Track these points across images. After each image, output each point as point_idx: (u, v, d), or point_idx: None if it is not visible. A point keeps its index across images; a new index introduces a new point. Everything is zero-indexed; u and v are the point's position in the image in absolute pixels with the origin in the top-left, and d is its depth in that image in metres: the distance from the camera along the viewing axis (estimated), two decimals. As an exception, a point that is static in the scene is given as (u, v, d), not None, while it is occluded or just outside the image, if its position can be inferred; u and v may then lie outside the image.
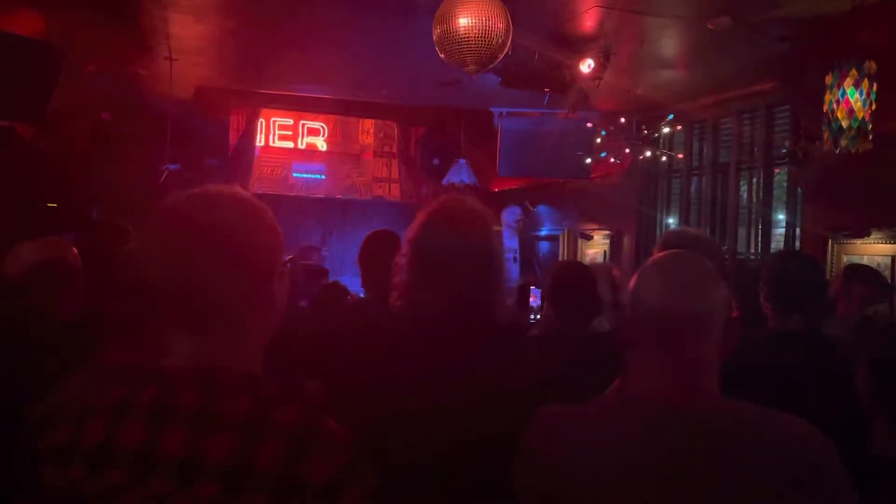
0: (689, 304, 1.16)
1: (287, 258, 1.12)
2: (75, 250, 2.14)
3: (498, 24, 3.13)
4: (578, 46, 4.42)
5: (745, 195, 5.65)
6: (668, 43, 4.57)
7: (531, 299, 5.20)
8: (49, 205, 5.65)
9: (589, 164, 6.16)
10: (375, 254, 2.39)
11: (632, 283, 1.23)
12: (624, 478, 1.08)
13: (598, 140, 6.06)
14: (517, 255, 7.39)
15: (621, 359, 1.26)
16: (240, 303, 1.00)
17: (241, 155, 7.78)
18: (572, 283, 2.59)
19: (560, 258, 7.59)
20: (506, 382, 1.31)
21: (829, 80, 3.62)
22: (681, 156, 6.14)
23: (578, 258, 7.38)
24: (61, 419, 1.01)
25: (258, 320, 1.03)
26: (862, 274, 3.43)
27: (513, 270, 6.78)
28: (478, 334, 1.38)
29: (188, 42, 4.91)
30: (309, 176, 8.83)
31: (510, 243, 7.58)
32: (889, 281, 4.01)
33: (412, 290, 1.43)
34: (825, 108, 3.65)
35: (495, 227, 1.51)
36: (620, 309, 3.48)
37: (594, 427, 1.16)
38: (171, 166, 6.25)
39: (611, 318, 2.89)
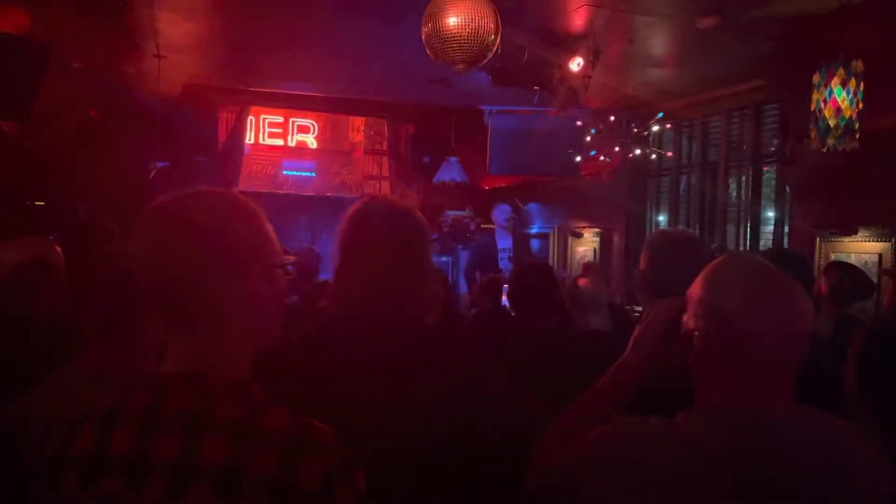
0: (788, 326, 1.13)
1: (289, 260, 1.11)
2: (59, 249, 2.12)
3: (487, 22, 3.12)
4: (568, 44, 4.42)
5: (733, 193, 5.68)
6: (657, 41, 4.59)
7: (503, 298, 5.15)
8: (36, 203, 5.61)
9: (579, 162, 6.17)
10: None
11: (710, 295, 1.18)
12: (698, 487, 1.07)
13: (588, 138, 6.08)
14: (510, 255, 7.40)
15: (693, 370, 1.21)
16: (223, 302, 1.00)
17: (231, 152, 7.73)
18: (533, 284, 2.61)
19: (551, 256, 7.61)
20: (422, 384, 1.27)
21: (816, 79, 3.64)
22: (670, 154, 6.17)
23: (569, 256, 7.40)
24: (52, 427, 1.00)
25: (244, 321, 1.03)
26: (845, 272, 3.45)
27: (507, 270, 6.79)
28: (395, 333, 1.34)
29: (177, 39, 4.88)
30: (299, 173, 8.76)
31: (503, 243, 7.58)
32: (875, 279, 4.04)
33: (337, 290, 1.40)
34: (812, 106, 3.66)
35: (422, 226, 1.45)
36: (619, 309, 3.49)
37: (669, 437, 1.13)
38: (160, 164, 6.19)
39: (606, 317, 2.90)
